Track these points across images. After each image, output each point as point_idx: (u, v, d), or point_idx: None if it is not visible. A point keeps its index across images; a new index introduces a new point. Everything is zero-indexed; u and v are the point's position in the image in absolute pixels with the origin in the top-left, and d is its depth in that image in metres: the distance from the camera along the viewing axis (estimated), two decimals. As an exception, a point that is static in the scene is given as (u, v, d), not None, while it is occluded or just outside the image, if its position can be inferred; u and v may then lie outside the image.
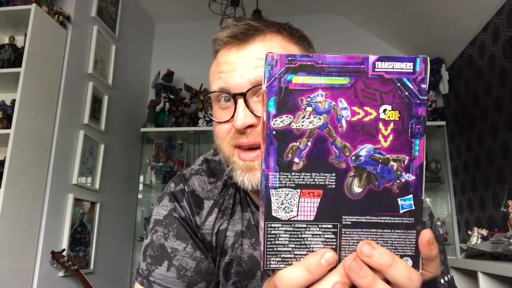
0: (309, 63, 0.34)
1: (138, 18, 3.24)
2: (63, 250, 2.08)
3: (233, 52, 0.60)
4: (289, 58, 0.34)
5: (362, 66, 0.34)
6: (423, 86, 0.35)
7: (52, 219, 2.09)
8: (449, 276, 0.67)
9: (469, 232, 2.02)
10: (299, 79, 0.34)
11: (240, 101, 0.56)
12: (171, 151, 3.20)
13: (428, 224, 0.68)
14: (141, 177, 3.15)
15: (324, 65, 0.34)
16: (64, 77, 2.21)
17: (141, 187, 3.15)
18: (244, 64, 0.57)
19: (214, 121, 0.62)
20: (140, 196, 3.14)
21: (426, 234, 0.35)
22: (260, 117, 0.55)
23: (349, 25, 3.31)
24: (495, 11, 2.24)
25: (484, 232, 1.93)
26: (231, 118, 0.58)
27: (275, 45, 0.59)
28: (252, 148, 0.57)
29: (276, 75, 0.34)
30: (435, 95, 2.97)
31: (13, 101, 1.96)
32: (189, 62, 3.25)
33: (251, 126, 0.56)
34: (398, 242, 0.35)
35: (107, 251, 2.61)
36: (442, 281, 0.66)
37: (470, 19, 2.43)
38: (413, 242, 0.35)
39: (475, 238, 1.92)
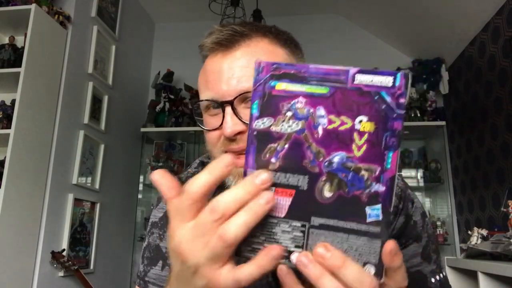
0: (292, 71, 0.36)
1: (138, 18, 3.24)
2: (63, 250, 2.08)
3: (219, 59, 0.60)
4: (274, 65, 0.36)
5: (342, 77, 0.36)
6: (401, 100, 0.36)
7: (52, 219, 2.09)
8: (441, 275, 0.68)
9: (469, 232, 2.02)
10: (282, 86, 0.36)
11: (228, 109, 0.57)
12: (171, 151, 3.20)
13: (420, 223, 0.69)
14: (141, 177, 3.15)
15: (306, 75, 0.36)
16: (64, 77, 2.21)
17: (141, 187, 3.15)
18: (229, 73, 0.58)
19: (204, 129, 0.62)
20: (140, 196, 3.14)
21: (389, 245, 0.35)
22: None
23: (349, 25, 3.32)
24: (495, 11, 2.24)
25: (484, 232, 1.93)
26: (220, 126, 0.58)
27: (260, 50, 0.59)
28: (243, 153, 0.58)
29: (262, 81, 0.36)
30: (435, 95, 2.97)
31: (13, 101, 1.96)
32: (189, 62, 3.22)
33: (240, 132, 0.57)
34: (363, 249, 0.36)
35: (107, 251, 2.61)
36: (433, 280, 0.66)
37: (470, 19, 2.43)
38: (377, 251, 0.36)
39: (475, 238, 1.92)
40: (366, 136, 0.36)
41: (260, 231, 0.36)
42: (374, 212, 0.36)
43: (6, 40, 2.17)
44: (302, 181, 0.36)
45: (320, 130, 0.36)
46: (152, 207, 0.74)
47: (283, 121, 0.36)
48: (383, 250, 0.36)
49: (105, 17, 2.63)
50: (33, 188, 1.96)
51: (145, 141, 3.20)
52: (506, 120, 2.13)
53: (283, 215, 0.36)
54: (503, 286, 1.50)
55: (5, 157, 1.81)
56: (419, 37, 2.94)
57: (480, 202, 2.44)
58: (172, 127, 3.06)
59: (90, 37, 2.48)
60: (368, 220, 0.36)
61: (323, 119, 0.36)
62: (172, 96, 3.10)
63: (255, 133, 0.36)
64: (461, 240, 2.74)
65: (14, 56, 2.07)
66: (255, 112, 0.36)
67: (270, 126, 0.36)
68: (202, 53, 0.64)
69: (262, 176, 0.34)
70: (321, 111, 0.36)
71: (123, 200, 2.90)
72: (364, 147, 0.36)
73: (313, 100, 0.36)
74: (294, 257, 0.36)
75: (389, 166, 0.36)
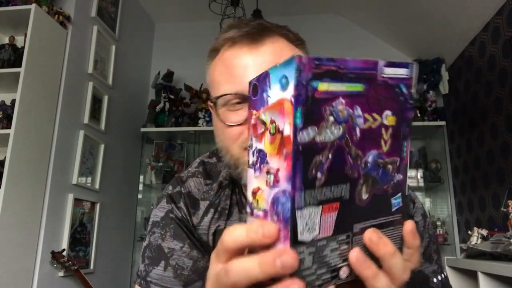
0: (333, 68, 0.31)
1: (138, 18, 3.24)
2: (63, 250, 2.08)
3: (245, 53, 0.59)
4: (316, 62, 0.30)
5: (374, 72, 0.33)
6: (413, 90, 0.36)
7: (52, 219, 2.09)
8: (442, 275, 0.68)
9: (469, 232, 2.02)
10: (324, 86, 0.31)
11: None
12: (171, 151, 3.20)
13: (421, 224, 0.69)
14: (141, 177, 3.15)
15: (345, 70, 0.32)
16: (64, 77, 2.21)
17: (141, 187, 3.15)
18: (258, 67, 0.57)
19: (225, 123, 0.60)
20: (140, 196, 3.14)
21: (410, 224, 0.36)
22: None
23: (349, 25, 3.31)
24: (495, 11, 2.24)
25: (484, 232, 1.93)
26: (245, 121, 0.57)
27: (283, 48, 0.60)
28: None
29: (304, 82, 0.30)
30: (435, 95, 2.97)
31: (13, 101, 1.96)
32: (189, 62, 3.24)
33: None
34: (390, 238, 0.36)
35: (107, 251, 2.61)
36: (435, 280, 0.67)
37: (470, 19, 2.43)
38: (400, 236, 0.37)
39: (475, 238, 1.92)
40: (390, 130, 0.35)
41: (312, 260, 0.32)
42: (396, 201, 0.36)
43: (6, 40, 2.17)
44: (344, 190, 0.33)
45: (358, 132, 0.33)
46: (152, 207, 0.74)
47: (326, 127, 0.31)
48: (404, 230, 0.36)
49: (105, 17, 2.63)
50: (33, 188, 1.96)
51: (145, 141, 3.19)
52: (506, 120, 2.13)
53: (331, 233, 0.32)
54: (503, 286, 1.50)
55: (5, 157, 1.81)
56: (419, 37, 2.94)
57: (480, 202, 2.44)
58: (172, 127, 3.06)
59: (90, 37, 2.48)
60: (393, 209, 0.36)
61: (360, 119, 0.33)
62: (172, 96, 3.10)
63: (300, 148, 0.30)
64: (461, 240, 2.74)
65: (14, 56, 2.06)
66: (299, 123, 0.29)
67: (315, 136, 0.30)
68: (216, 45, 0.63)
69: (287, 259, 0.29)
70: (358, 110, 0.33)
71: (123, 200, 2.90)
72: (389, 141, 0.35)
73: (352, 99, 0.32)
74: (343, 272, 0.33)
75: (404, 154, 0.36)
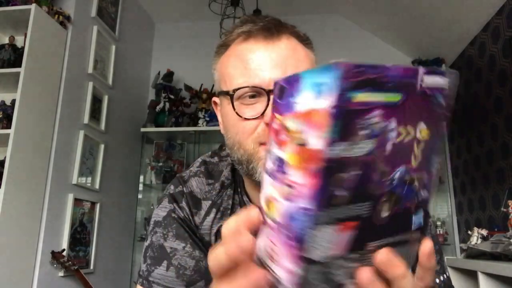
0: (374, 76, 0.27)
1: (138, 18, 3.24)
2: (63, 250, 2.08)
3: (260, 47, 0.59)
4: (357, 69, 0.26)
5: (414, 81, 0.29)
6: (451, 102, 0.32)
7: (52, 219, 2.09)
8: (445, 275, 0.67)
9: (469, 232, 2.03)
10: (361, 97, 0.27)
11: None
12: (171, 151, 3.20)
13: None
14: (141, 177, 3.15)
15: (385, 79, 0.28)
16: (64, 77, 2.21)
17: (141, 187, 3.15)
18: (276, 61, 0.57)
19: (242, 117, 0.59)
20: (140, 196, 3.14)
21: (428, 245, 0.34)
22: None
23: (349, 25, 3.32)
24: (495, 11, 2.24)
25: (484, 232, 1.93)
26: (261, 115, 0.57)
27: (296, 46, 0.60)
28: None
29: (340, 92, 0.26)
30: (435, 95, 2.97)
31: (13, 101, 1.96)
32: (189, 62, 3.25)
33: None
34: (404, 256, 0.34)
35: (107, 251, 2.61)
36: (437, 280, 0.66)
37: (470, 19, 2.43)
38: (415, 254, 0.35)
39: (475, 238, 1.93)
40: (422, 144, 0.31)
41: (316, 277, 0.31)
42: (418, 219, 0.33)
43: (6, 40, 2.17)
44: (365, 209, 0.30)
45: (388, 146, 0.29)
46: (152, 207, 0.73)
47: (357, 142, 0.27)
48: (421, 251, 0.34)
49: (105, 17, 2.63)
50: (33, 188, 1.96)
51: (145, 141, 3.19)
52: (506, 120, 2.13)
53: (342, 252, 0.30)
54: (503, 286, 1.50)
55: (5, 157, 1.81)
56: (419, 37, 2.94)
57: (480, 202, 2.44)
58: (172, 127, 3.06)
59: (90, 37, 2.48)
60: (413, 228, 0.33)
61: (393, 133, 0.29)
62: (172, 96, 3.10)
63: (329, 165, 0.27)
64: (461, 240, 2.74)
65: (14, 56, 2.06)
66: (336, 137, 0.26)
67: (342, 151, 0.27)
68: (228, 39, 0.63)
69: (242, 240, 0.31)
70: (392, 123, 0.29)
71: (123, 200, 2.90)
72: (419, 157, 0.32)
73: (388, 111, 0.28)
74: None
75: (433, 170, 0.33)
